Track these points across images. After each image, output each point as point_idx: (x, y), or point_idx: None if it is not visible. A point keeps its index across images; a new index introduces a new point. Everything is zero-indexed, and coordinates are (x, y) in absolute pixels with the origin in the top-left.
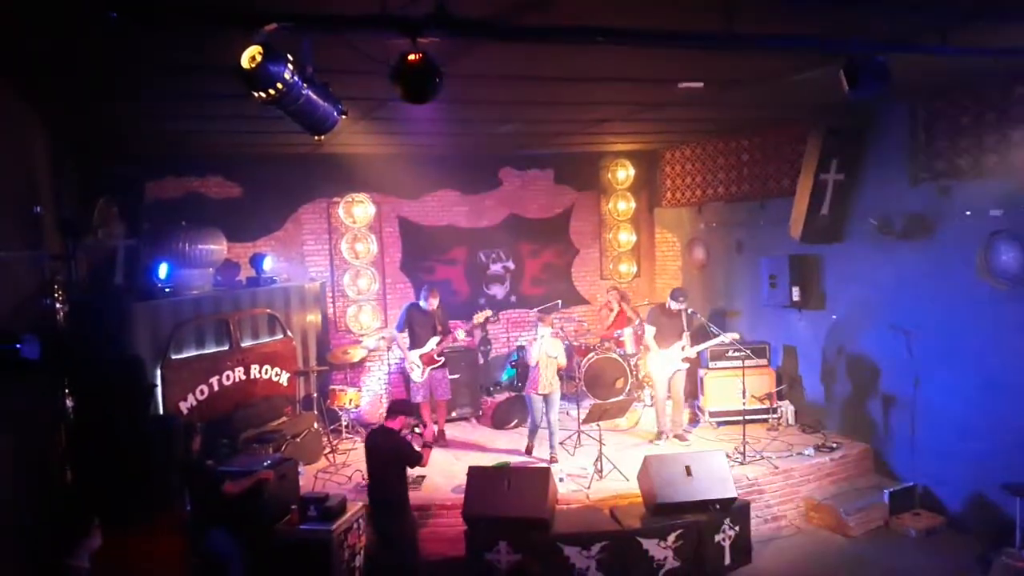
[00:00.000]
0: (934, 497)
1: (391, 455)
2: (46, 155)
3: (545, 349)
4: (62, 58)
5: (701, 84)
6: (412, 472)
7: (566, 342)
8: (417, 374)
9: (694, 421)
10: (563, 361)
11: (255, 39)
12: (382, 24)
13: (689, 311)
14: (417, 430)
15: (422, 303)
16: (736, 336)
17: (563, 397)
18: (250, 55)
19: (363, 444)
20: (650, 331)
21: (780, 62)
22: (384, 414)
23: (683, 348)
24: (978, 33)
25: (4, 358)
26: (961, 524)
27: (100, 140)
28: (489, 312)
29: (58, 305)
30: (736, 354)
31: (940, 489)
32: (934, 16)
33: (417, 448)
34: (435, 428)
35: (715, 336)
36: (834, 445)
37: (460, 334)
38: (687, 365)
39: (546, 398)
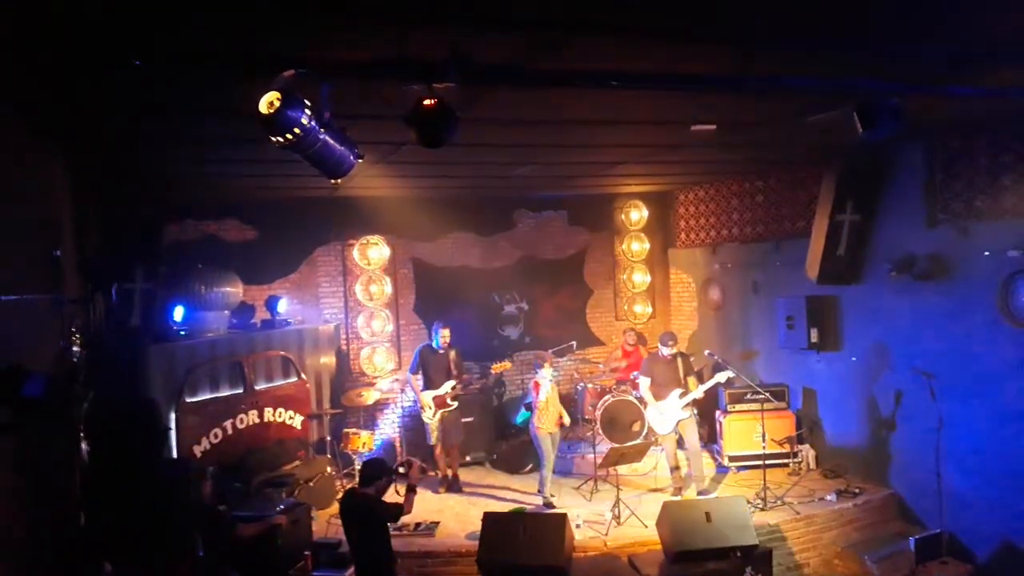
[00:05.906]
0: (961, 544)
1: (366, 516)
2: (67, 198)
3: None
4: (84, 102)
5: (714, 126)
6: (426, 519)
7: (581, 384)
8: (428, 415)
9: (718, 467)
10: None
11: (273, 85)
12: (398, 70)
13: (692, 358)
14: (401, 470)
15: (434, 343)
16: (731, 374)
17: (579, 441)
18: (268, 100)
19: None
20: (644, 383)
21: (794, 104)
22: (357, 479)
23: (680, 396)
24: (991, 73)
25: (6, 396)
26: (990, 573)
27: (121, 183)
28: (509, 364)
29: (75, 348)
30: (755, 397)
31: (967, 536)
32: (947, 55)
33: (400, 493)
34: (448, 473)
35: (711, 378)
36: (857, 490)
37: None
38: (688, 413)
39: (553, 436)
